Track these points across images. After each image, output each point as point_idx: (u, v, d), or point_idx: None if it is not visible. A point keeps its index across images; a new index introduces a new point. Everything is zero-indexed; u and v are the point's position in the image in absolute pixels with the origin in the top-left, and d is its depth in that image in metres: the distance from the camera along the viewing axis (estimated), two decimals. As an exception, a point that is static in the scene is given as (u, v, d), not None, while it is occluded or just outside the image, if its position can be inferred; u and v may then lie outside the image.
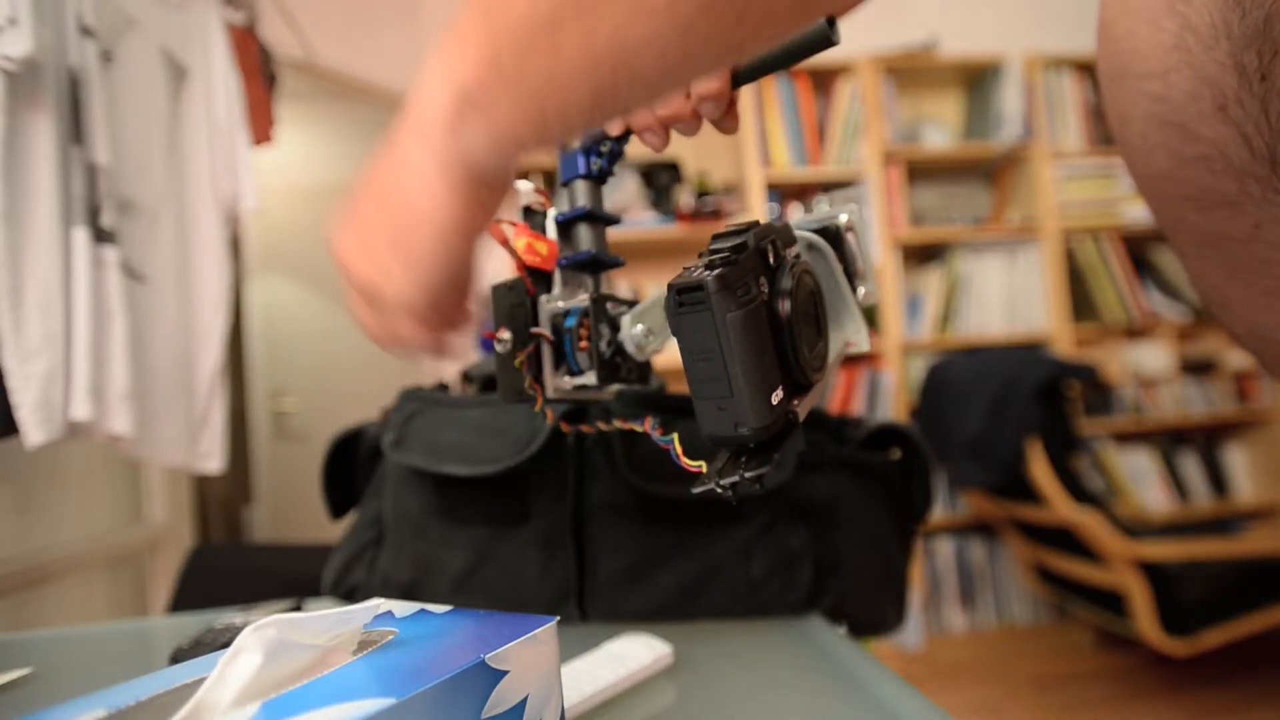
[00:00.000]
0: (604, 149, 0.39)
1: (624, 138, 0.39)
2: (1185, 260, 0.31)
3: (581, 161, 0.39)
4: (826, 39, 0.32)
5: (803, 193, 2.31)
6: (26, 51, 0.85)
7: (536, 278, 0.38)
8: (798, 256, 0.33)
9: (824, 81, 2.30)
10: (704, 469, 0.29)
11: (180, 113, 1.22)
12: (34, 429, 0.88)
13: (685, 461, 0.30)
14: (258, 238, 2.68)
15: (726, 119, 0.38)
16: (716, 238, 0.30)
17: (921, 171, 2.40)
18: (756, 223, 0.31)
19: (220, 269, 1.25)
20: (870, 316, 2.26)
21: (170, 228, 1.17)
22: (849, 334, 0.36)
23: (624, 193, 2.20)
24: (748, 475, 0.28)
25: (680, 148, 2.35)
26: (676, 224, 2.16)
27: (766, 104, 2.25)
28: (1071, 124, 2.34)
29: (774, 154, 2.24)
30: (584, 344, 0.38)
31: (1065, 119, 2.34)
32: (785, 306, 0.30)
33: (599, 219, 0.40)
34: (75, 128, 0.95)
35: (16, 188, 0.89)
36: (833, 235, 0.36)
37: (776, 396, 0.28)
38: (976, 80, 2.40)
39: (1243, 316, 0.29)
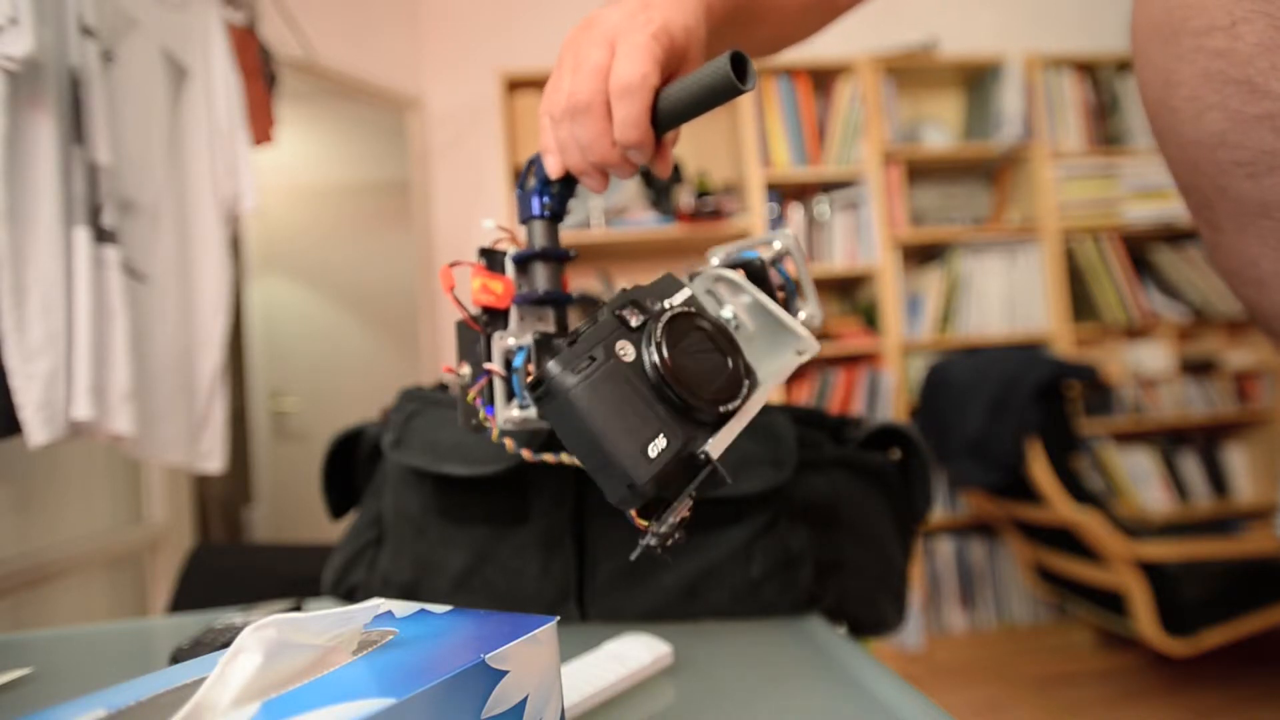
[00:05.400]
0: (553, 190, 0.42)
1: (569, 182, 0.42)
2: (1219, 236, 0.30)
3: (535, 203, 0.41)
4: (732, 85, 0.34)
5: (803, 193, 2.31)
6: (27, 51, 0.85)
7: (493, 315, 0.40)
8: (686, 304, 0.35)
9: (824, 81, 2.30)
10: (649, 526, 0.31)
11: (180, 113, 1.22)
12: (37, 429, 0.88)
13: (637, 520, 0.31)
14: (258, 238, 2.68)
15: (657, 163, 0.41)
16: (586, 304, 0.33)
17: (921, 171, 2.40)
18: (623, 290, 0.34)
19: (220, 269, 1.25)
20: (870, 316, 2.26)
21: (171, 228, 1.17)
22: (795, 346, 0.37)
23: (624, 193, 2.19)
24: (660, 532, 0.29)
25: (680, 148, 2.35)
26: (676, 224, 2.16)
27: (766, 104, 2.25)
28: (1071, 124, 2.34)
29: (774, 154, 2.24)
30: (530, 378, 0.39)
31: (1065, 119, 2.34)
32: (652, 361, 0.31)
33: (553, 257, 0.42)
34: (76, 127, 0.95)
35: (18, 187, 0.89)
36: (757, 269, 0.38)
37: (656, 448, 0.30)
38: (976, 80, 2.40)
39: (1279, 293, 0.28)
